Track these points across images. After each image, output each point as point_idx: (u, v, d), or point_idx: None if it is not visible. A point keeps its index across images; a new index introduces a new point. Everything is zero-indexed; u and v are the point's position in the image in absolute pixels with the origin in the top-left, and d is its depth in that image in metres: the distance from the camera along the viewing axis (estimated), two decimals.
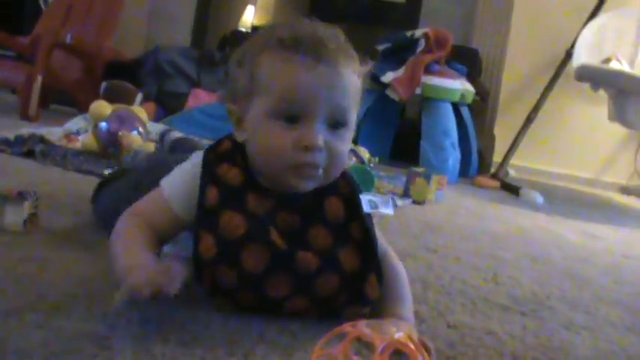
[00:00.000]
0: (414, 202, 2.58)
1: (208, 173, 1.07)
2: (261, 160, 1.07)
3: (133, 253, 1.02)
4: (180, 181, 1.11)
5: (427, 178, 2.63)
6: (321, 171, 1.06)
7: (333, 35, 1.06)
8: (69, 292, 1.07)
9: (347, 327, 0.81)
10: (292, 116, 1.02)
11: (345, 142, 1.08)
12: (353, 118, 1.09)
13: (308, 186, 1.08)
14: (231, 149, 1.11)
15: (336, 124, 1.06)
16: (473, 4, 4.70)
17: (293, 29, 1.04)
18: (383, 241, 1.18)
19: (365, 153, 2.88)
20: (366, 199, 1.15)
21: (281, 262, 1.04)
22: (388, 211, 2.22)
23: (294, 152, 1.03)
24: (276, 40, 1.03)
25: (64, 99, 4.60)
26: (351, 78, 1.06)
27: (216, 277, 1.02)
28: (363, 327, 0.79)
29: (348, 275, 1.08)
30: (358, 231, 1.12)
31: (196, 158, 1.12)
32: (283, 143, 1.03)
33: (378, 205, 2.25)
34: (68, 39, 4.12)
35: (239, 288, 1.03)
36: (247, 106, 1.07)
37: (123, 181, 1.55)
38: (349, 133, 1.09)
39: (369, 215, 1.15)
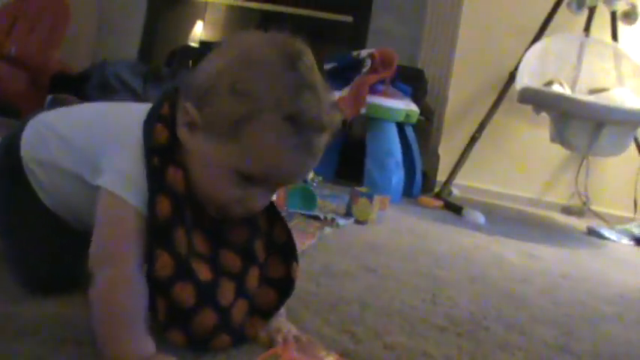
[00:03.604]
0: (357, 221, 2.59)
1: (157, 180, 0.97)
2: (196, 183, 1.01)
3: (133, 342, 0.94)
4: (134, 180, 0.98)
5: (370, 197, 2.64)
6: None
7: (335, 117, 1.01)
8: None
9: (278, 349, 0.81)
10: (253, 179, 0.99)
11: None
12: None
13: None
14: (169, 142, 1.01)
15: (281, 186, 1.07)
16: (419, 25, 4.76)
17: (307, 100, 0.95)
18: None
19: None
20: None
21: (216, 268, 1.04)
22: None
23: (234, 204, 1.02)
24: (287, 113, 0.94)
25: (9, 110, 4.53)
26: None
27: (174, 297, 0.97)
28: (294, 351, 0.80)
29: (275, 281, 1.13)
30: (281, 234, 1.16)
31: (132, 143, 1.00)
32: (229, 196, 1.00)
33: None
34: (13, 51, 4.07)
35: (196, 306, 0.99)
36: (214, 136, 0.97)
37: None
38: None
39: None
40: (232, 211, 1.03)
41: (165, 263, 0.96)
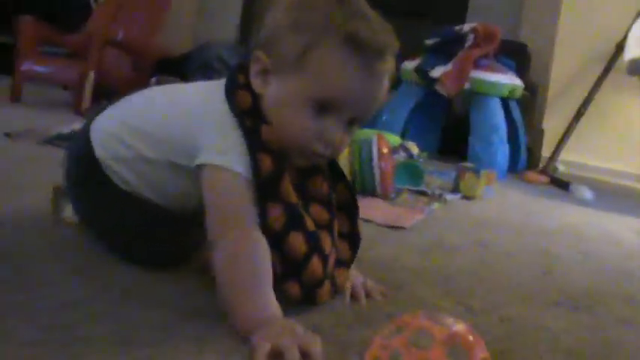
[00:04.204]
0: (464, 197, 2.58)
1: (254, 140, 1.04)
2: (278, 129, 1.06)
3: (263, 304, 0.96)
4: (232, 148, 1.03)
5: (476, 173, 2.62)
6: None
7: (391, 41, 1.06)
8: (130, 282, 1.10)
9: (406, 318, 0.82)
10: (325, 108, 1.03)
11: (351, 136, 1.12)
12: None
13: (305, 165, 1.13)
14: (254, 105, 1.08)
15: (355, 121, 1.09)
16: None
17: (361, 25, 1.02)
18: None
19: (414, 147, 2.87)
20: None
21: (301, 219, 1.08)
22: None
23: (314, 140, 1.05)
24: (344, 35, 1.00)
25: (114, 94, 4.66)
26: (386, 84, 1.08)
27: (289, 247, 1.03)
28: (422, 318, 0.80)
29: (345, 235, 1.21)
30: (344, 192, 1.23)
31: (218, 117, 1.06)
32: (307, 129, 1.04)
33: None
34: (119, 36, 4.18)
35: (308, 255, 1.05)
36: (284, 73, 1.05)
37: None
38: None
39: None
40: (315, 150, 1.07)
41: (277, 214, 1.03)
